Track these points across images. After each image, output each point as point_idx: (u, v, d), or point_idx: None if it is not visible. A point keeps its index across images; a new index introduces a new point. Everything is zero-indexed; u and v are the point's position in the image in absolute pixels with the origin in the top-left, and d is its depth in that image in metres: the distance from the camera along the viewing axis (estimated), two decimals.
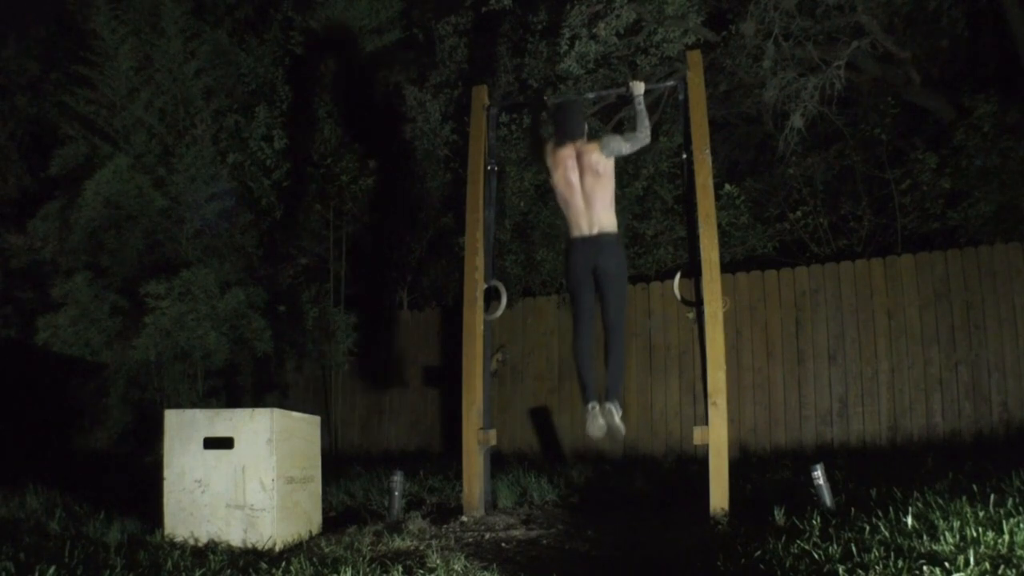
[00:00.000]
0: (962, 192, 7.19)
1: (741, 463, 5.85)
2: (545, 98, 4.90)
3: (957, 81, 7.83)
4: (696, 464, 5.57)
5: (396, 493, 4.47)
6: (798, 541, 2.97)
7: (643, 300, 7.45)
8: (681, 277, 4.74)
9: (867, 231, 7.69)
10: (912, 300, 6.57)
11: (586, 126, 4.49)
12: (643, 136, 4.35)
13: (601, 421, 4.15)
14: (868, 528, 3.00)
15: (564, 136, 4.41)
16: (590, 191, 4.31)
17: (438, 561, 3.19)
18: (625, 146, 4.35)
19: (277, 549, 3.77)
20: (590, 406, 4.20)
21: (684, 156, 4.68)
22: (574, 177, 4.35)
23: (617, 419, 4.16)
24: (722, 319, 4.30)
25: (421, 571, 3.13)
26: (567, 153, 4.38)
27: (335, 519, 4.60)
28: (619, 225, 4.44)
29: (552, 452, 7.45)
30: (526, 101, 5.12)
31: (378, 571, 3.11)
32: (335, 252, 8.54)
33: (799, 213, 7.80)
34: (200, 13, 8.38)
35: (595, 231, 4.31)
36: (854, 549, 2.74)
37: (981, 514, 3.01)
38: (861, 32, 7.51)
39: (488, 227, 4.95)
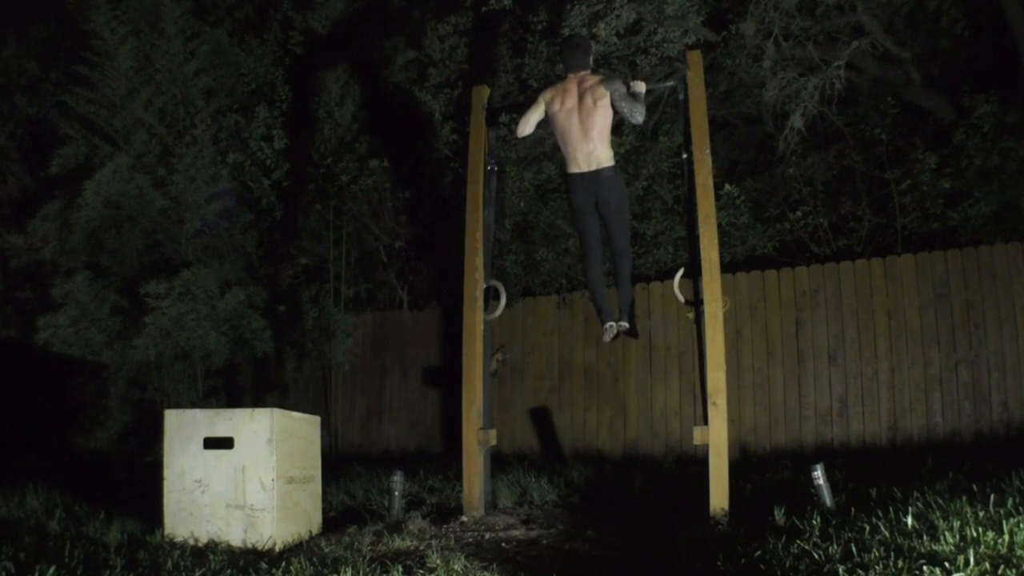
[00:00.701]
0: (962, 192, 7.19)
1: (741, 463, 5.85)
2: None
3: (957, 81, 7.82)
4: (696, 464, 5.57)
5: (396, 493, 4.46)
6: (798, 541, 2.97)
7: (643, 300, 7.45)
8: (681, 277, 4.74)
9: (867, 231, 7.69)
10: (912, 300, 6.57)
11: (590, 60, 4.67)
12: (638, 112, 4.45)
13: (614, 331, 4.66)
14: (868, 528, 3.00)
15: (569, 67, 4.63)
16: (587, 119, 4.45)
17: (438, 561, 3.19)
18: (624, 104, 4.44)
19: (277, 549, 3.77)
20: (607, 325, 4.66)
21: (684, 156, 4.68)
22: (573, 104, 4.51)
23: (627, 326, 4.70)
24: (722, 319, 4.30)
25: (421, 571, 3.13)
26: (570, 85, 4.57)
27: (335, 519, 4.60)
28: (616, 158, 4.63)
29: (552, 452, 7.45)
30: (526, 101, 5.12)
31: (378, 571, 3.11)
32: (335, 252, 8.54)
33: (799, 213, 7.80)
34: (200, 13, 8.39)
35: (593, 166, 4.48)
36: (854, 549, 2.74)
37: (981, 514, 3.01)
38: (861, 32, 7.51)
39: (488, 227, 4.95)
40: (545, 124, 4.85)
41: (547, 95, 4.67)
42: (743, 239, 7.92)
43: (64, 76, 8.29)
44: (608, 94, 4.47)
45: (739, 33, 7.69)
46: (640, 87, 4.57)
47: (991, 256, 6.39)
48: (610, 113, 4.50)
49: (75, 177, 7.65)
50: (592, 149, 4.47)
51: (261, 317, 7.66)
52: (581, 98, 4.50)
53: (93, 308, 7.36)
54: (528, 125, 4.72)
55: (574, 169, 4.53)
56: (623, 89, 4.49)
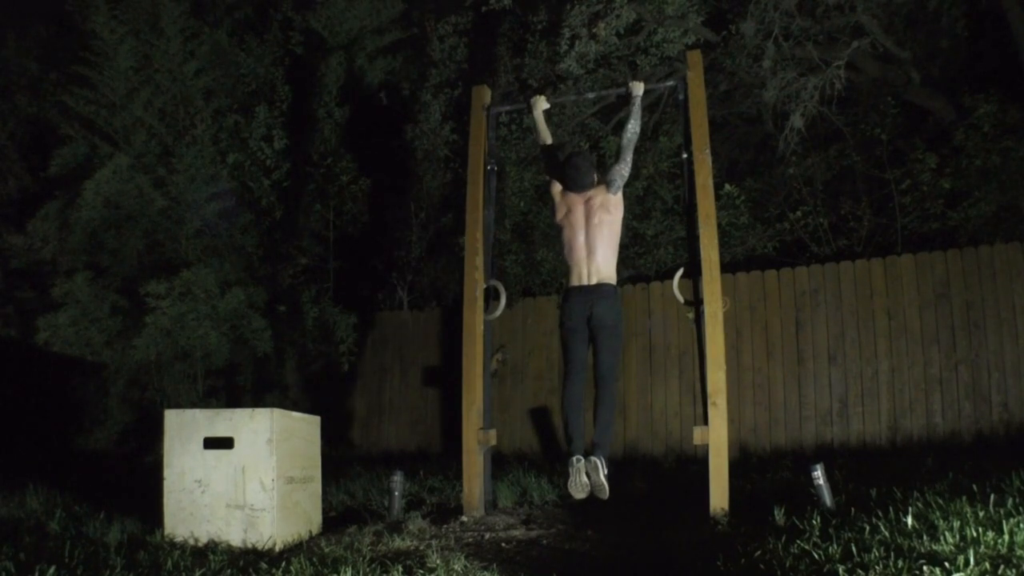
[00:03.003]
0: (962, 192, 7.19)
1: (741, 463, 5.85)
2: (545, 97, 4.88)
3: (957, 81, 7.83)
4: (696, 464, 5.57)
5: (396, 493, 4.46)
6: (798, 541, 2.97)
7: (643, 300, 7.45)
8: (681, 277, 4.74)
9: (867, 231, 7.69)
10: (912, 300, 6.57)
11: (595, 177, 4.41)
12: (627, 165, 4.36)
13: (584, 479, 3.99)
14: (868, 528, 3.00)
15: (574, 188, 4.37)
16: (594, 238, 4.27)
17: (438, 561, 3.19)
18: (618, 180, 4.33)
19: (277, 549, 3.77)
20: (574, 459, 4.03)
21: (684, 156, 4.68)
22: (580, 220, 4.31)
23: (602, 476, 3.98)
24: (722, 319, 4.29)
25: (421, 571, 3.13)
26: (575, 196, 4.37)
27: (335, 519, 4.60)
28: (619, 276, 4.41)
29: (552, 452, 7.44)
30: (526, 102, 5.11)
31: (378, 571, 3.11)
32: (335, 252, 8.54)
33: (799, 213, 7.80)
34: (199, 13, 8.39)
35: (594, 281, 4.27)
36: (854, 549, 2.74)
37: (981, 514, 3.01)
38: (861, 32, 7.51)
39: (488, 227, 4.95)
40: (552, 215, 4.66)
41: (555, 194, 4.46)
42: (743, 239, 7.92)
43: (64, 76, 8.29)
44: (619, 195, 4.32)
45: (739, 33, 7.69)
46: (638, 88, 4.57)
47: (991, 256, 6.39)
48: (619, 229, 4.33)
49: (75, 177, 7.66)
50: (596, 265, 4.28)
51: (261, 317, 7.65)
52: (588, 215, 4.30)
53: (93, 308, 7.36)
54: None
55: (575, 282, 4.32)
56: (616, 172, 4.34)
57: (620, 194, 4.35)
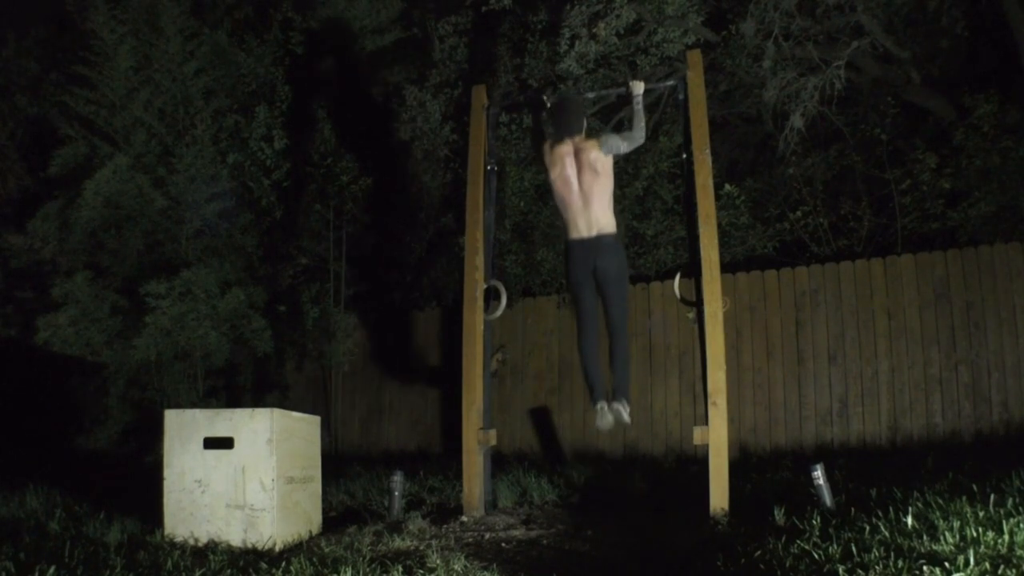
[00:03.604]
0: (962, 192, 7.19)
1: (741, 463, 5.85)
2: (544, 97, 4.89)
3: (957, 81, 7.82)
4: (696, 464, 5.57)
5: (396, 493, 4.46)
6: (798, 541, 2.97)
7: (643, 300, 7.45)
8: (681, 277, 4.74)
9: (867, 231, 7.69)
10: (912, 300, 6.57)
11: (585, 123, 4.47)
12: (639, 136, 4.38)
13: (609, 417, 4.23)
14: (868, 528, 3.00)
15: (562, 132, 4.40)
16: (588, 189, 4.30)
17: (438, 561, 3.19)
18: (623, 145, 4.37)
19: (277, 549, 3.77)
20: (599, 406, 4.24)
21: (684, 156, 4.68)
22: (572, 174, 4.34)
23: (626, 416, 4.23)
24: (722, 319, 4.30)
25: (421, 571, 3.13)
26: (565, 150, 4.38)
27: (335, 519, 4.60)
28: (618, 225, 4.43)
29: (552, 452, 7.44)
30: (526, 101, 5.11)
31: (378, 571, 3.11)
32: (335, 252, 8.54)
33: (799, 213, 7.80)
34: (199, 13, 8.39)
35: (594, 232, 4.29)
36: (854, 549, 2.74)
37: (981, 514, 3.01)
38: (861, 32, 7.51)
39: (488, 227, 4.95)
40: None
41: (545, 150, 4.48)
42: (743, 239, 7.92)
43: (64, 76, 8.29)
44: (608, 158, 4.33)
45: (739, 33, 7.69)
46: (639, 88, 4.57)
47: (991, 256, 6.39)
48: (611, 179, 4.35)
49: (75, 177, 7.65)
50: (593, 216, 4.30)
51: (261, 317, 7.65)
52: (580, 168, 4.32)
53: (93, 308, 7.36)
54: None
55: (574, 235, 4.35)
56: (617, 139, 4.36)
57: (611, 157, 4.34)
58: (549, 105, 4.67)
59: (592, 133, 4.69)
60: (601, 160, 4.31)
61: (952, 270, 6.48)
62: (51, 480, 5.36)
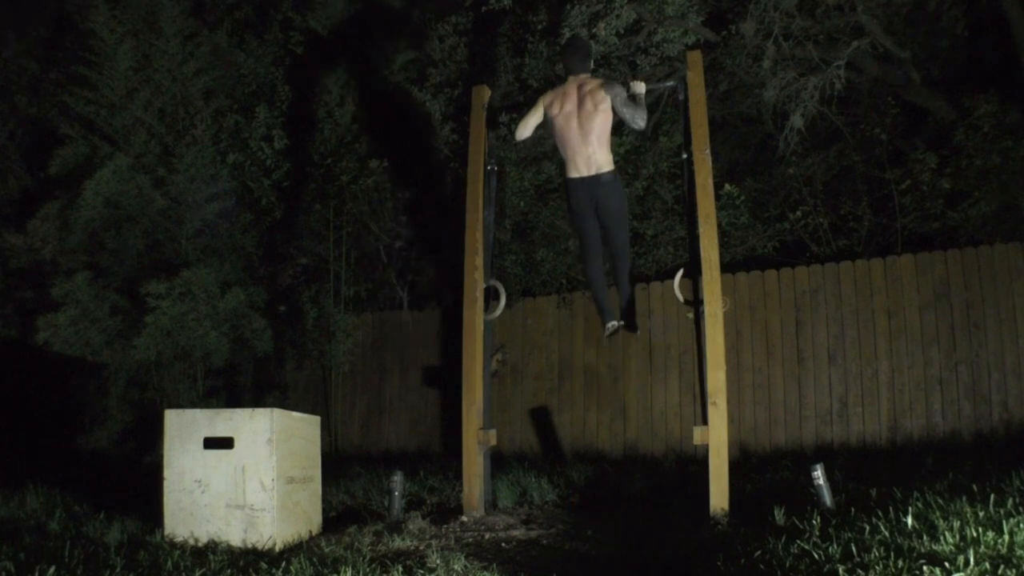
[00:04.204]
0: (962, 192, 7.19)
1: (741, 463, 5.85)
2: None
3: (957, 81, 7.83)
4: (696, 464, 5.57)
5: (396, 493, 4.46)
6: (798, 541, 2.97)
7: (643, 300, 7.45)
8: (681, 277, 4.74)
9: (867, 231, 7.69)
10: (912, 300, 6.57)
11: (591, 63, 4.65)
12: (640, 117, 4.44)
13: (616, 327, 4.73)
14: (868, 528, 3.00)
15: (569, 70, 4.60)
16: (587, 123, 4.42)
17: (438, 561, 3.19)
18: (625, 111, 4.43)
19: (277, 549, 3.77)
20: (609, 324, 4.73)
21: (684, 156, 4.68)
22: (572, 110, 4.48)
23: (625, 323, 4.79)
24: (722, 319, 4.29)
25: (421, 571, 3.13)
26: (569, 88, 4.55)
27: (335, 519, 4.60)
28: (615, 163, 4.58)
29: (552, 452, 7.45)
30: (526, 101, 5.12)
31: (378, 571, 3.11)
32: (335, 252, 8.55)
33: (799, 213, 7.80)
34: (199, 13, 8.39)
35: (593, 171, 4.46)
36: (854, 549, 2.74)
37: (981, 514, 3.01)
38: (861, 32, 7.51)
39: (488, 227, 4.95)
40: (545, 125, 4.84)
41: (546, 99, 4.64)
42: (743, 239, 7.92)
43: (64, 76, 8.30)
44: (608, 98, 4.45)
45: (739, 33, 7.69)
46: (640, 87, 4.57)
47: (991, 256, 6.40)
48: (610, 117, 4.47)
49: (75, 177, 7.66)
50: (591, 153, 4.45)
51: (261, 317, 7.66)
52: (581, 102, 4.47)
53: (93, 308, 7.37)
54: (527, 128, 4.72)
55: (573, 173, 4.51)
56: (624, 94, 4.47)
57: (608, 101, 4.43)
58: (559, 47, 4.84)
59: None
60: (601, 96, 4.43)
61: (952, 270, 6.48)
62: (51, 480, 5.36)
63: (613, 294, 4.94)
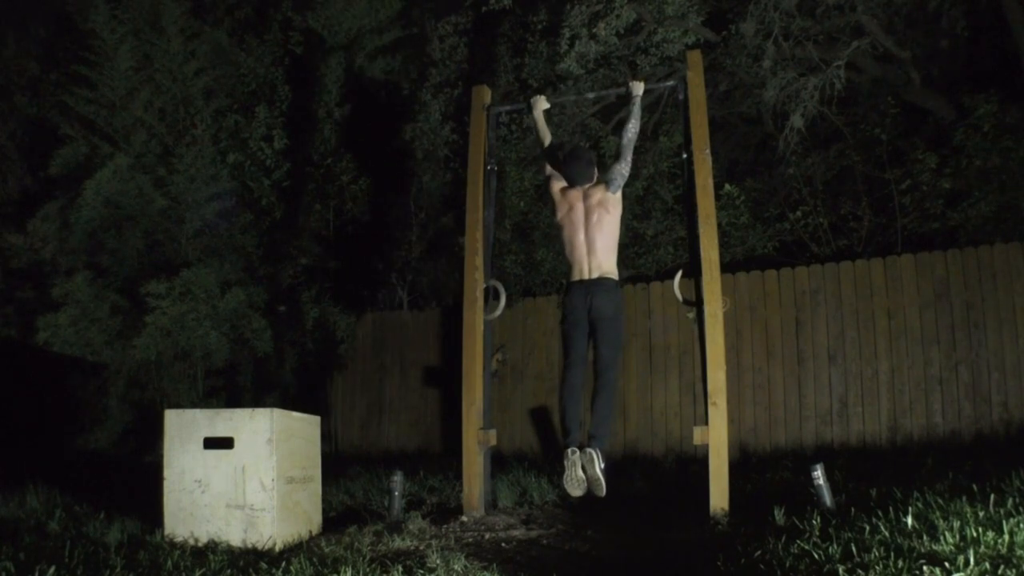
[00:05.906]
0: (962, 192, 7.19)
1: (741, 463, 5.85)
2: (545, 97, 4.87)
3: (957, 81, 7.83)
4: (696, 464, 5.57)
5: (396, 493, 4.46)
6: (798, 541, 2.97)
7: (643, 300, 7.45)
8: (681, 277, 4.74)
9: (867, 231, 7.70)
10: (912, 300, 6.57)
11: (595, 172, 4.42)
12: (626, 164, 4.35)
13: (580, 473, 3.94)
14: (868, 528, 3.00)
15: (573, 182, 4.39)
16: (593, 233, 4.29)
17: (438, 561, 3.19)
18: (619, 179, 4.32)
19: (277, 549, 3.77)
20: (569, 451, 3.97)
21: (684, 156, 4.68)
22: (579, 216, 4.33)
23: (598, 470, 3.91)
24: (722, 319, 4.29)
25: (421, 571, 3.13)
26: (575, 195, 4.39)
27: (335, 519, 4.60)
28: (619, 274, 4.41)
29: (552, 452, 7.44)
30: (526, 102, 5.10)
31: (378, 571, 3.11)
32: (335, 252, 8.54)
33: (799, 213, 7.80)
34: (200, 13, 8.39)
35: (595, 275, 4.28)
36: (854, 549, 2.74)
37: (981, 514, 3.01)
38: (861, 32, 7.51)
39: (488, 227, 4.94)
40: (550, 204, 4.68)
41: (555, 192, 4.47)
42: (743, 239, 7.92)
43: (64, 76, 8.29)
44: (618, 195, 4.32)
45: (739, 33, 7.70)
46: (638, 88, 4.57)
47: (991, 256, 6.39)
48: (617, 225, 4.34)
49: (75, 177, 7.66)
50: (596, 260, 4.30)
51: (261, 317, 7.65)
52: (587, 212, 4.31)
53: (93, 308, 7.36)
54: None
55: (576, 277, 4.34)
56: (617, 170, 4.34)
57: (619, 193, 4.35)
58: (562, 155, 4.64)
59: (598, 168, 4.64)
60: (611, 199, 4.30)
61: (952, 270, 6.48)
62: (51, 480, 5.36)
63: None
